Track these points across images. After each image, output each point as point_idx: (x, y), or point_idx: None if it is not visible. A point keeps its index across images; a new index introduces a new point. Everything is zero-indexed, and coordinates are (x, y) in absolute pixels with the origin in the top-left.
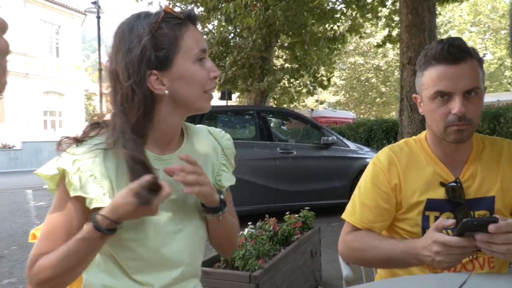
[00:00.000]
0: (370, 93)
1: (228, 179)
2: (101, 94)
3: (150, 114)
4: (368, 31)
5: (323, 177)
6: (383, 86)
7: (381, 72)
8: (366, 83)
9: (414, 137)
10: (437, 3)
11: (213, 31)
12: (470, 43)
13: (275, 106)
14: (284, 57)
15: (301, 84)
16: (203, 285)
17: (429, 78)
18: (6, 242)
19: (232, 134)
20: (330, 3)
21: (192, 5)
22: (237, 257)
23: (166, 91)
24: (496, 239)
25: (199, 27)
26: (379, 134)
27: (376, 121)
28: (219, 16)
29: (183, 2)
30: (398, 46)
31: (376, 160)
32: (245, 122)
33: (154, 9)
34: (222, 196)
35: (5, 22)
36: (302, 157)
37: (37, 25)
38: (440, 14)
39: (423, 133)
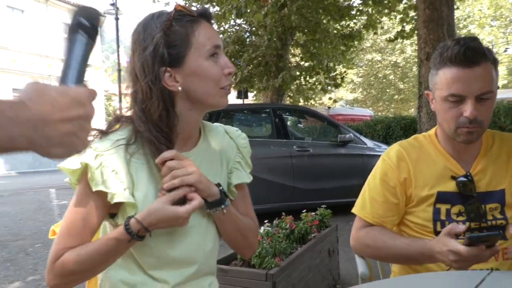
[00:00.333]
0: (388, 90)
1: (239, 177)
2: (120, 95)
3: (170, 111)
4: (385, 27)
5: (340, 175)
6: (401, 82)
7: (399, 69)
8: (384, 80)
9: (424, 133)
10: None
11: (229, 30)
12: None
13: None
14: (299, 55)
15: (316, 82)
16: (219, 283)
17: (443, 79)
18: (31, 240)
19: (248, 132)
20: (345, 1)
21: (208, 5)
22: (254, 255)
23: (180, 88)
24: None
25: (215, 25)
26: (397, 131)
27: (394, 118)
28: (229, 8)
29: (199, 2)
30: (416, 41)
31: (386, 156)
32: (262, 120)
33: (170, 9)
34: (221, 188)
35: (95, 92)
36: (319, 155)
37: (59, 28)
38: (458, 8)
39: (433, 129)
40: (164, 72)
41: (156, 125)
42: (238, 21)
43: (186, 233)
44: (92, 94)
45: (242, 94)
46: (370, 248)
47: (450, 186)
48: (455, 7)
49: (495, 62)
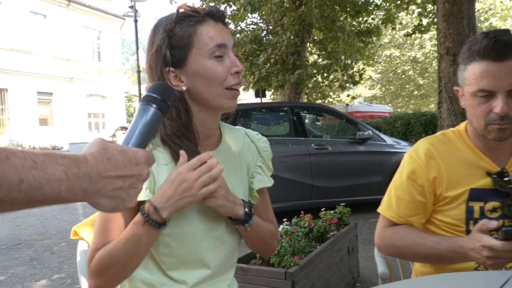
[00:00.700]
0: (407, 86)
1: (261, 182)
2: (140, 95)
3: (182, 110)
4: (403, 22)
5: (359, 173)
6: (421, 78)
7: (418, 64)
8: (403, 76)
9: (452, 128)
10: None
11: (246, 29)
12: None
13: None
14: (316, 53)
15: (334, 79)
16: (238, 282)
17: (472, 74)
18: (56, 239)
19: (266, 131)
20: None
21: (225, 5)
22: (273, 253)
23: (184, 87)
24: None
25: (232, 25)
26: (417, 128)
27: (414, 114)
28: (243, 3)
29: (216, 2)
30: (435, 36)
31: (413, 154)
32: (279, 119)
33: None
34: (247, 209)
35: (153, 157)
36: (338, 152)
37: (80, 31)
38: (479, 0)
39: (462, 125)
40: (167, 72)
41: (171, 124)
42: (255, 20)
43: (207, 234)
44: (150, 159)
45: (260, 93)
46: (397, 248)
47: (483, 183)
48: None
49: None
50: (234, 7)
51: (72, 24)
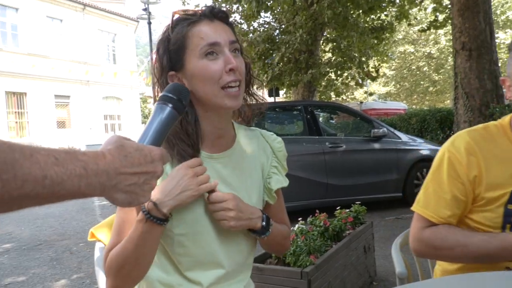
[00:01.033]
0: (422, 82)
1: (278, 182)
2: (155, 97)
3: (190, 113)
4: (418, 17)
5: (374, 171)
6: (436, 74)
7: (433, 60)
8: (418, 72)
9: (494, 122)
10: None
11: (259, 29)
12: None
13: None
14: (330, 51)
15: (349, 76)
16: (254, 281)
17: None
18: (74, 239)
19: (280, 130)
20: None
21: (237, 5)
22: (288, 253)
23: None
24: None
25: (244, 25)
26: (433, 124)
27: (429, 110)
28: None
29: (228, 2)
30: (450, 31)
31: (452, 149)
32: (293, 118)
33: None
34: (264, 223)
35: (168, 155)
36: (352, 150)
37: (95, 35)
38: None
39: (507, 118)
40: (170, 76)
41: (177, 126)
42: (268, 19)
43: (222, 234)
44: (164, 156)
45: (273, 92)
46: (438, 249)
47: None
48: None
49: None
50: (246, 6)
51: (88, 28)
